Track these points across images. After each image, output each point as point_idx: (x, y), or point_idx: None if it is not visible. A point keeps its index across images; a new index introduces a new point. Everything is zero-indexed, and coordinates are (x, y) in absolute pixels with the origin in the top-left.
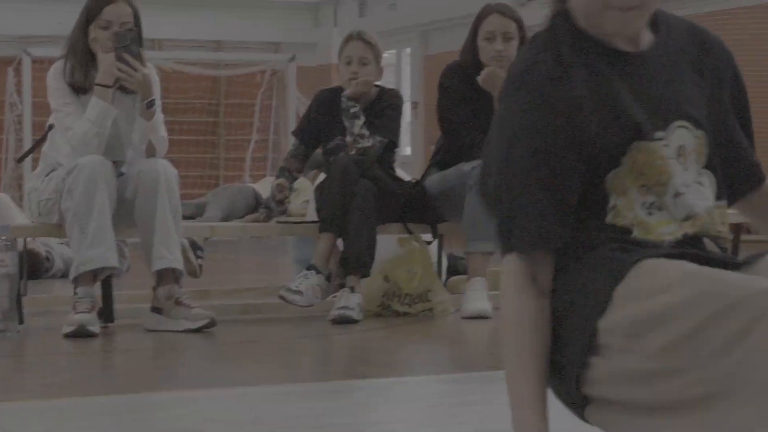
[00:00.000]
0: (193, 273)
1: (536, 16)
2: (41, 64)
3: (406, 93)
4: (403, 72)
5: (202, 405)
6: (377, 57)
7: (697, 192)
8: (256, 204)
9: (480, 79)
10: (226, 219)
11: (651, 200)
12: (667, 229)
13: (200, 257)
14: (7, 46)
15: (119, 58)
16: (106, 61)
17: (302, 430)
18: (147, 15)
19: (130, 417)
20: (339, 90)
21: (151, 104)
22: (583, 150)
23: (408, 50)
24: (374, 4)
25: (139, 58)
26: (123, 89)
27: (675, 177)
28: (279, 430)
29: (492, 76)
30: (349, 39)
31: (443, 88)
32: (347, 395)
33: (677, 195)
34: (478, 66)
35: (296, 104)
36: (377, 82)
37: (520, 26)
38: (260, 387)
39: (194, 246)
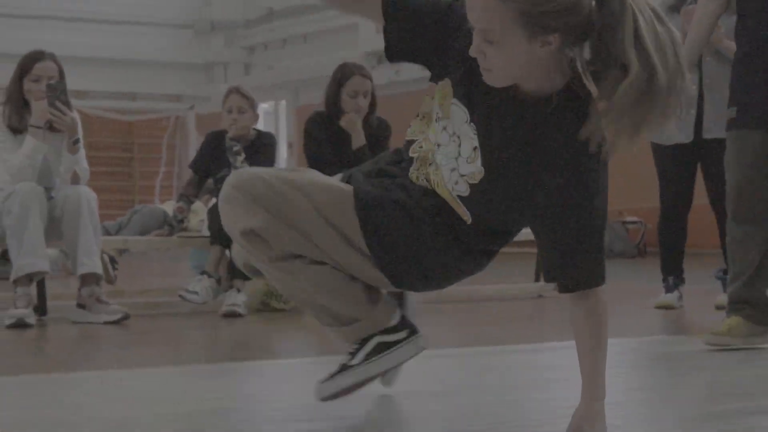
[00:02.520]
0: (110, 281)
1: (382, 76)
2: None
3: (283, 136)
4: (279, 119)
5: (111, 383)
6: (252, 106)
7: None
8: (163, 222)
9: (342, 122)
10: (142, 234)
11: None
12: None
13: (116, 269)
14: None
15: (51, 104)
16: (38, 107)
17: (190, 403)
18: (74, 70)
19: (47, 393)
20: (224, 132)
21: (76, 141)
22: None
23: (283, 102)
24: (257, 65)
25: (67, 104)
26: (51, 129)
27: None
28: (175, 403)
29: (352, 121)
30: (229, 93)
31: (307, 132)
32: (230, 374)
33: None
34: (339, 114)
35: (195, 143)
36: (254, 126)
37: (372, 85)
38: (161, 367)
39: (112, 260)
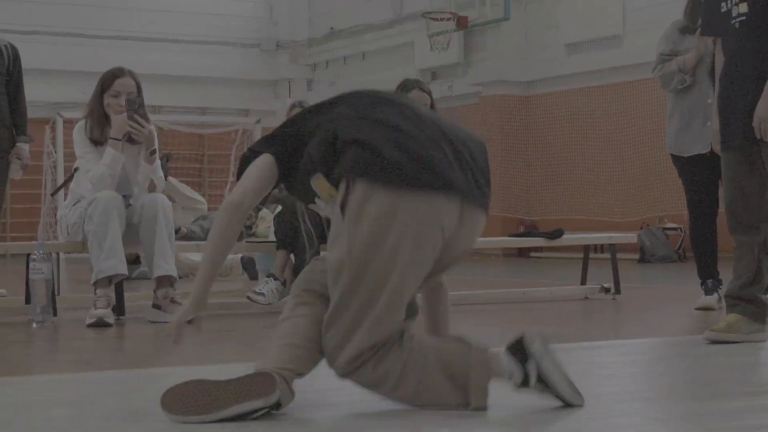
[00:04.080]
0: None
1: (436, 91)
2: (69, 123)
3: None
4: None
5: (188, 377)
6: None
7: None
8: None
9: None
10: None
11: None
12: None
13: None
14: (44, 110)
15: (131, 118)
16: (117, 121)
17: None
18: (150, 86)
19: (132, 386)
20: None
21: (153, 152)
22: None
23: None
24: (319, 81)
25: (145, 117)
26: (130, 141)
27: None
28: None
29: None
30: (292, 106)
31: None
32: None
33: None
34: None
35: None
36: None
37: (432, 98)
38: (234, 364)
39: None
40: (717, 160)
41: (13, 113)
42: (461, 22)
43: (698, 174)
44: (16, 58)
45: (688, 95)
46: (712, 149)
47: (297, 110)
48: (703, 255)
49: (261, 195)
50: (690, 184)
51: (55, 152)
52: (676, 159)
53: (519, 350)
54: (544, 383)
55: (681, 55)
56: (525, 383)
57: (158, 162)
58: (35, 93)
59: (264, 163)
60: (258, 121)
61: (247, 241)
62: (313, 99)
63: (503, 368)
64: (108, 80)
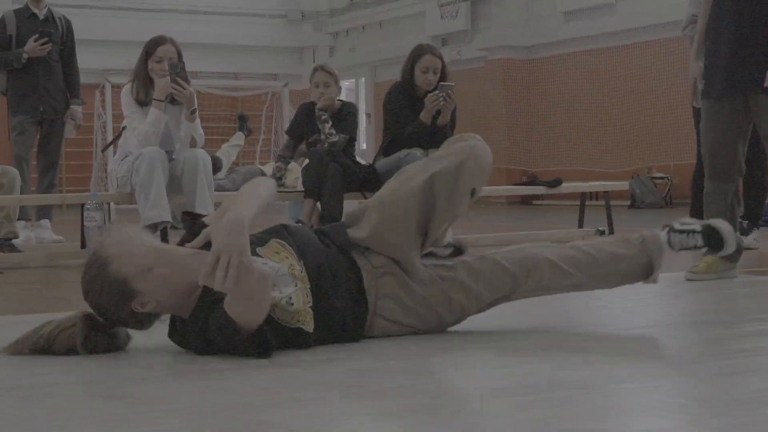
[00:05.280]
0: None
1: (446, 56)
2: (117, 88)
3: (362, 108)
4: (360, 94)
5: None
6: (336, 80)
7: None
8: None
9: (427, 100)
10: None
11: None
12: None
13: None
14: (94, 76)
15: (173, 80)
16: (160, 83)
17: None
18: (188, 54)
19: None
20: (314, 104)
21: (193, 111)
22: None
23: (363, 79)
24: (340, 48)
25: (186, 80)
26: (172, 102)
27: None
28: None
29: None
30: (315, 70)
31: (391, 98)
32: None
33: None
34: (413, 86)
35: (289, 114)
36: (339, 98)
37: (443, 63)
38: None
39: None
40: None
41: (67, 79)
42: None
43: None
44: (69, 29)
45: None
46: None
47: (319, 73)
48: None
49: None
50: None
51: (104, 114)
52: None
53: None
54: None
55: None
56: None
57: (198, 120)
58: (86, 61)
59: None
60: (285, 85)
61: (277, 191)
62: (335, 64)
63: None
64: (152, 47)
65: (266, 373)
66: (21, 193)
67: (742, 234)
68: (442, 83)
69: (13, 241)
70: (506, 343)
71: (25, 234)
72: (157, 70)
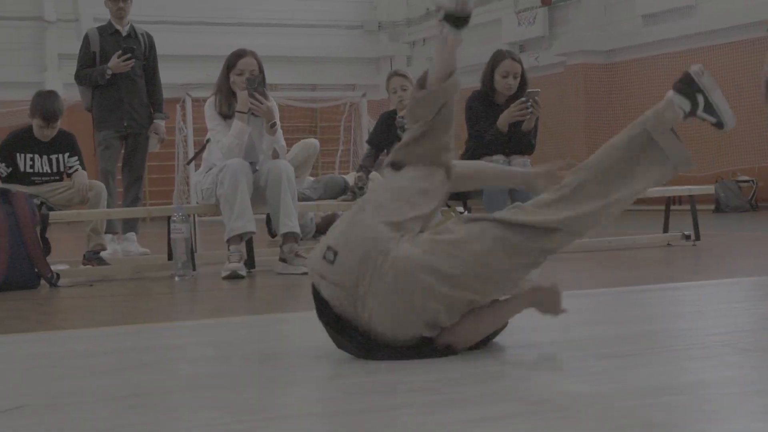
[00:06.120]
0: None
1: (525, 62)
2: (197, 102)
3: None
4: None
5: (314, 321)
6: (412, 83)
7: None
8: (344, 189)
9: (513, 106)
10: (320, 199)
11: None
12: None
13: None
14: (175, 90)
15: (250, 95)
16: (243, 97)
17: None
18: (267, 66)
19: (265, 329)
20: (394, 112)
21: (273, 125)
22: None
23: None
24: (417, 57)
25: (263, 94)
26: (254, 114)
27: None
28: None
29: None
30: (390, 76)
31: (470, 106)
32: None
33: None
34: (494, 92)
35: (368, 124)
36: None
37: (522, 67)
38: None
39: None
40: None
41: (150, 94)
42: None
43: None
44: (152, 45)
45: None
46: None
47: (394, 78)
48: None
49: None
50: None
51: (185, 128)
52: None
53: (686, 86)
54: (710, 111)
55: None
56: (692, 112)
57: (280, 132)
58: (166, 76)
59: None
60: (363, 95)
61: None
62: (413, 73)
63: (675, 108)
64: (233, 60)
65: (358, 380)
66: (107, 206)
67: None
68: (528, 90)
69: (101, 253)
70: (593, 349)
71: (112, 247)
72: (239, 83)
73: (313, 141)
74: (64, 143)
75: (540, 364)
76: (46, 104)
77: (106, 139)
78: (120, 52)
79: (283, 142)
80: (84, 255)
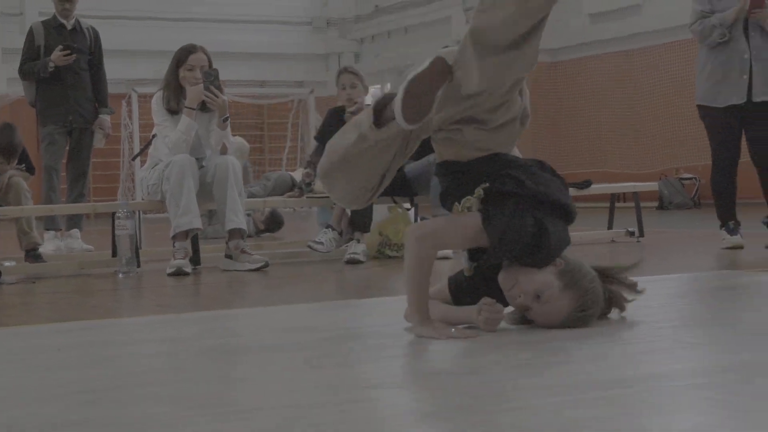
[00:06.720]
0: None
1: None
2: (143, 98)
3: None
4: None
5: (260, 317)
6: (362, 81)
7: None
8: (292, 186)
9: None
10: (270, 195)
11: None
12: None
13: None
14: (121, 86)
15: (206, 88)
16: (192, 92)
17: (326, 331)
18: (215, 62)
19: (211, 326)
20: (342, 108)
21: (226, 119)
22: None
23: (389, 85)
24: (365, 54)
25: (219, 88)
26: (202, 109)
27: None
28: (311, 331)
29: None
30: (340, 72)
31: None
32: (356, 308)
33: None
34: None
35: (315, 121)
36: (367, 102)
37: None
38: (299, 304)
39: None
40: (744, 112)
41: (95, 88)
42: None
43: (728, 125)
44: (97, 39)
45: (725, 50)
46: (747, 99)
47: (344, 75)
48: (724, 200)
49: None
50: (718, 134)
51: (131, 124)
52: (708, 110)
53: None
54: None
55: (718, 12)
56: None
57: (229, 128)
58: (112, 71)
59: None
60: (312, 92)
61: (307, 197)
62: (361, 69)
63: None
64: (183, 55)
65: (306, 375)
66: (51, 203)
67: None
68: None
69: (39, 250)
70: (542, 345)
71: (55, 244)
72: (188, 78)
73: (241, 139)
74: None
75: (490, 363)
76: (2, 138)
77: (50, 135)
78: (61, 46)
79: (232, 138)
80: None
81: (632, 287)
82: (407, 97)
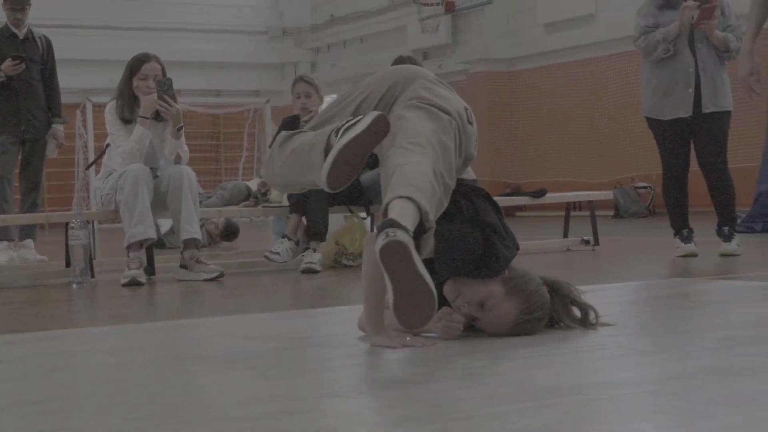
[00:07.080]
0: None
1: (428, 69)
2: (98, 107)
3: None
4: None
5: (215, 327)
6: (317, 90)
7: None
8: (247, 195)
9: None
10: (227, 205)
11: None
12: None
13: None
14: (75, 95)
15: (160, 98)
16: (146, 101)
17: (282, 341)
18: (169, 72)
19: (166, 336)
20: (297, 117)
21: (180, 128)
22: None
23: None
24: (321, 63)
25: (173, 97)
26: (157, 119)
27: None
28: (266, 340)
29: None
30: (296, 81)
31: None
32: (311, 318)
33: None
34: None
35: (271, 130)
36: (320, 108)
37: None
38: (255, 314)
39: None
40: (692, 124)
41: (48, 98)
42: (449, 7)
43: (676, 135)
44: (50, 48)
45: (669, 63)
46: (693, 113)
47: (299, 84)
48: (676, 209)
49: None
50: (667, 145)
51: (86, 133)
52: (656, 122)
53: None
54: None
55: (662, 27)
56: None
57: (183, 137)
58: (67, 81)
59: None
60: (268, 101)
61: (263, 206)
62: (317, 79)
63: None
64: (136, 65)
65: (261, 384)
66: (4, 213)
67: (724, 240)
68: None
69: None
70: (497, 352)
71: (8, 255)
72: (142, 87)
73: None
74: None
75: (443, 370)
76: None
77: (3, 145)
78: (12, 56)
79: (186, 147)
80: None
81: (584, 308)
82: (335, 166)
